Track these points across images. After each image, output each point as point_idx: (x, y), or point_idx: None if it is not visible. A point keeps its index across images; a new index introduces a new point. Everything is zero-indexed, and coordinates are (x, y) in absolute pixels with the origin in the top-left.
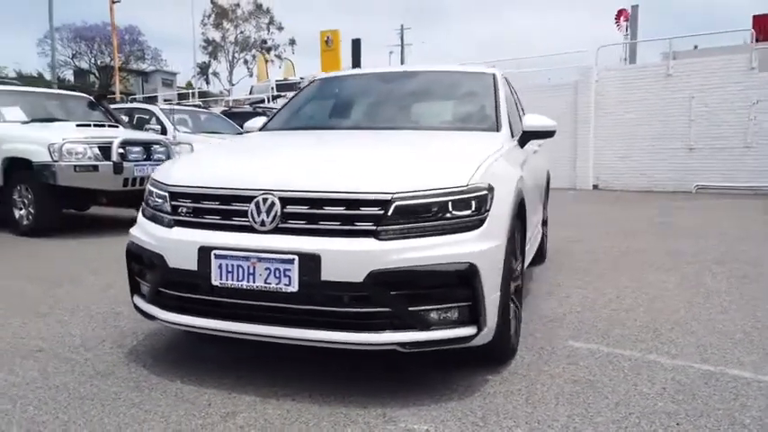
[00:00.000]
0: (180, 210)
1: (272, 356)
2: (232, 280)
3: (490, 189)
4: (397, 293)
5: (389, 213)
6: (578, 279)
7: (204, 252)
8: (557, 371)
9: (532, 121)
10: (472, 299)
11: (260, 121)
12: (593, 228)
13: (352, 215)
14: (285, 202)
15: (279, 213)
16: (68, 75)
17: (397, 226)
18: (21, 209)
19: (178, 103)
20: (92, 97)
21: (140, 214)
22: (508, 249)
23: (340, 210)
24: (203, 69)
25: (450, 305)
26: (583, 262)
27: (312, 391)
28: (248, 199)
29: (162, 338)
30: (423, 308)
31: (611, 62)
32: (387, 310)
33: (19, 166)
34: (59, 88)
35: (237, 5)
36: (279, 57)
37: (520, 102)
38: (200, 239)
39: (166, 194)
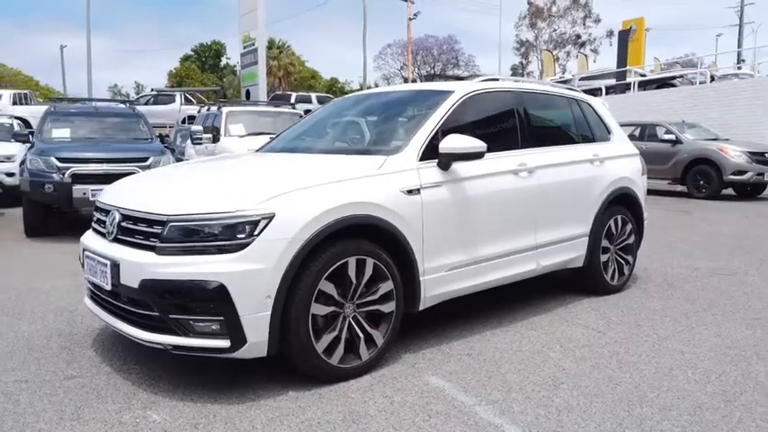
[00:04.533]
0: (93, 217)
1: None
2: (89, 274)
3: (267, 216)
4: (160, 301)
5: (165, 232)
6: (610, 322)
7: (82, 251)
8: (341, 400)
9: (450, 143)
10: (223, 314)
11: None
12: None
13: (148, 232)
14: (123, 217)
15: (117, 225)
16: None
17: (173, 244)
18: None
19: None
20: (302, 112)
21: None
22: (292, 272)
23: (143, 227)
24: (515, 71)
25: (206, 317)
26: (660, 300)
27: (163, 377)
28: (108, 212)
29: None
30: (182, 316)
31: None
32: (155, 314)
33: None
34: None
35: (554, 2)
36: (594, 51)
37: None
38: (83, 241)
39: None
